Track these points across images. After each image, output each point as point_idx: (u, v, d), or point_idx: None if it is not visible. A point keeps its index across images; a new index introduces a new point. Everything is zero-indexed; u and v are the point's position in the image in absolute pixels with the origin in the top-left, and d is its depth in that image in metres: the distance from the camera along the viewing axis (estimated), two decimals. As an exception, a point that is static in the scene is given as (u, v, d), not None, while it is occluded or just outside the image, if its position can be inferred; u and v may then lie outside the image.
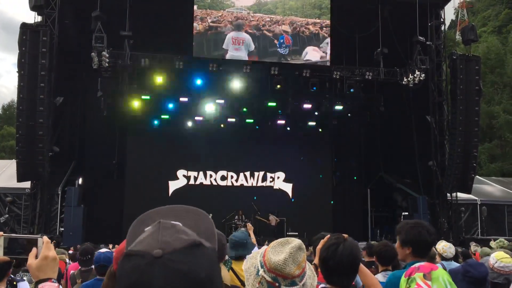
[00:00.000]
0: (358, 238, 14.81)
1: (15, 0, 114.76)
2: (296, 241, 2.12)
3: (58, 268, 2.07)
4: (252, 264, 2.14)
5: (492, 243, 7.88)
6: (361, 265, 2.83)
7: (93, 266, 6.57)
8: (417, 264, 2.36)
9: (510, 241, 8.10)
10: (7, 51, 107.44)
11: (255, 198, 21.04)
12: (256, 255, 2.16)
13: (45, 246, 1.94)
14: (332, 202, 24.15)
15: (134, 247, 1.05)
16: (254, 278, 2.09)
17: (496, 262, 3.74)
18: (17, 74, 16.68)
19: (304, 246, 2.14)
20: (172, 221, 1.11)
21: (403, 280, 2.34)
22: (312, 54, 19.03)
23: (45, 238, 1.97)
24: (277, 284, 2.04)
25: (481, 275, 3.75)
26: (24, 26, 16.65)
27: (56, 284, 1.93)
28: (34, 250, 1.94)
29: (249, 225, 9.58)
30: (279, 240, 2.16)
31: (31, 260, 1.92)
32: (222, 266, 3.58)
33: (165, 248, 1.01)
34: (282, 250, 2.08)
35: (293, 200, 23.61)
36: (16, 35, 16.68)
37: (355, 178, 24.75)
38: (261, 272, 2.07)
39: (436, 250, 6.64)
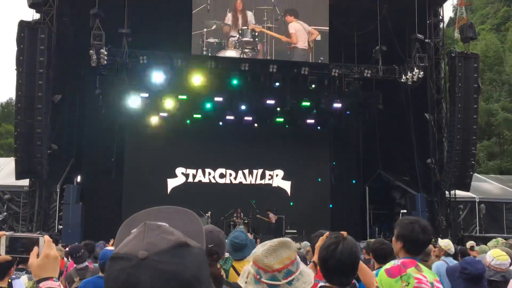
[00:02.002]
0: (356, 235, 14.87)
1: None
2: (285, 239, 2.20)
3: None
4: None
5: (490, 244, 7.91)
6: (361, 263, 2.84)
7: (87, 263, 6.60)
8: (397, 263, 2.36)
9: (507, 239, 8.12)
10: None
11: (253, 201, 21.02)
12: None
13: (46, 245, 1.95)
14: (331, 203, 24.16)
15: (119, 249, 1.05)
16: (244, 274, 2.20)
17: (492, 260, 3.75)
18: (12, 72, 16.67)
19: (291, 245, 2.18)
20: (159, 222, 1.11)
21: (392, 281, 2.32)
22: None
23: (47, 237, 1.98)
24: (258, 277, 2.10)
25: (478, 272, 3.76)
26: (22, 24, 16.62)
27: (57, 283, 1.94)
28: (35, 249, 1.94)
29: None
30: (275, 239, 2.21)
31: (33, 259, 1.93)
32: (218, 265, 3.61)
33: (150, 249, 1.01)
34: (268, 243, 2.16)
35: (290, 195, 23.63)
36: (11, 32, 16.65)
37: (353, 179, 24.76)
38: (249, 267, 2.16)
39: (441, 247, 6.76)
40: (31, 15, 17.85)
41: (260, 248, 2.14)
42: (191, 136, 22.22)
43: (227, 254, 4.24)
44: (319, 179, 24.31)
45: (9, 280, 3.54)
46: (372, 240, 8.81)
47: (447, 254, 6.64)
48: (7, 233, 2.00)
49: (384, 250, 5.18)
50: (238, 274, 4.24)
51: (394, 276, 2.29)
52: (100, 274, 5.31)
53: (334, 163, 24.77)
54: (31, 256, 1.93)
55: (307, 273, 2.20)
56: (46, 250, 1.94)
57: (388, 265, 2.30)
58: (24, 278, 3.91)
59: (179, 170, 23.05)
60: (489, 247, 7.47)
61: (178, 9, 18.67)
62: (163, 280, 0.99)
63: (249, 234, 11.59)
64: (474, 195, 20.91)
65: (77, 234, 17.01)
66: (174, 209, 1.23)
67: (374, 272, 4.86)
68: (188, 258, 1.03)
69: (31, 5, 17.58)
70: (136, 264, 0.99)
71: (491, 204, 21.29)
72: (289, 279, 2.10)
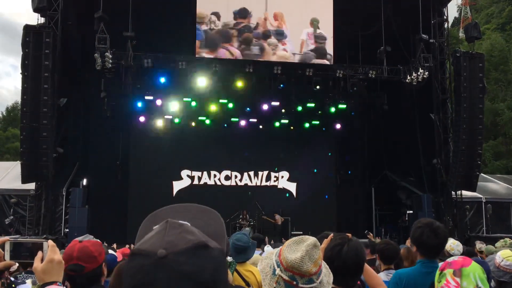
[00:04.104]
0: (362, 236, 14.82)
1: (14, 1, 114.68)
2: (311, 239, 2.13)
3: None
4: (267, 264, 2.14)
5: (498, 244, 7.87)
6: (366, 265, 2.83)
7: None
8: (450, 259, 2.36)
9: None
10: (6, 53, 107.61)
11: (249, 193, 21.05)
12: (270, 255, 2.17)
13: (50, 250, 1.95)
14: (336, 203, 24.10)
15: (140, 246, 1.06)
16: (271, 278, 2.10)
17: (502, 260, 3.71)
18: (16, 76, 16.77)
19: (319, 244, 2.15)
20: (182, 220, 1.12)
21: (437, 274, 2.34)
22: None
23: (50, 242, 1.98)
24: (294, 283, 2.05)
25: (484, 274, 3.72)
26: (27, 28, 16.68)
27: (62, 287, 1.94)
28: (39, 253, 1.94)
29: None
30: (294, 238, 2.17)
31: (37, 264, 1.92)
32: None
33: (169, 248, 1.02)
34: (298, 248, 2.09)
35: (295, 197, 23.60)
36: (15, 37, 16.77)
37: (359, 180, 24.71)
38: (277, 271, 2.08)
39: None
40: (36, 19, 17.94)
41: (292, 254, 2.07)
42: (196, 138, 22.23)
43: (229, 258, 4.22)
44: (325, 180, 24.25)
45: (13, 286, 3.54)
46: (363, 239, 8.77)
47: (449, 255, 6.58)
48: (12, 238, 2.00)
49: (390, 251, 5.16)
50: (241, 277, 4.21)
51: (440, 270, 2.31)
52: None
53: (339, 164, 24.73)
54: (35, 260, 1.93)
55: (325, 265, 2.19)
56: (50, 255, 1.94)
57: (449, 259, 2.33)
58: (28, 282, 3.91)
59: (184, 173, 23.07)
60: (496, 248, 7.42)
61: (183, 12, 18.69)
62: (180, 281, 0.99)
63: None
64: (480, 195, 20.82)
65: (83, 237, 17.01)
66: (198, 208, 1.24)
67: (382, 273, 4.85)
68: (207, 259, 1.04)
69: (35, 9, 17.62)
70: (154, 262, 1.01)
71: (497, 204, 21.19)
72: (321, 277, 2.09)
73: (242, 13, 18.62)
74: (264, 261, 2.17)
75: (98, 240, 2.84)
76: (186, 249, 1.02)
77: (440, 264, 2.42)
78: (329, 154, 24.61)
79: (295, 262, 2.04)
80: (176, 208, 1.23)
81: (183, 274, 1.00)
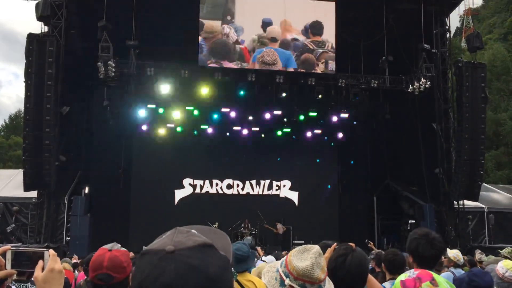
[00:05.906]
0: (364, 246, 14.80)
1: (16, 11, 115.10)
2: (315, 247, 2.18)
3: (66, 279, 2.07)
4: (271, 277, 2.15)
5: (503, 251, 7.82)
6: (369, 275, 2.82)
7: None
8: (413, 275, 2.34)
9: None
10: (8, 61, 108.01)
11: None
12: (272, 268, 2.18)
13: (51, 259, 1.95)
14: (338, 213, 24.01)
15: (149, 246, 1.13)
16: None
17: (506, 271, 3.70)
18: (18, 84, 16.87)
19: (322, 252, 2.17)
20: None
21: None
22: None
23: (51, 251, 1.98)
24: None
25: (486, 284, 3.72)
26: (30, 36, 16.77)
27: None
28: (40, 262, 1.94)
29: (259, 249, 9.75)
30: (297, 248, 2.21)
31: (38, 273, 1.92)
32: None
33: (177, 246, 1.08)
34: (305, 257, 2.12)
35: (297, 206, 23.54)
36: (17, 45, 16.84)
37: (361, 189, 24.65)
38: (287, 281, 2.10)
39: (450, 258, 6.68)
40: (40, 28, 18.04)
41: (302, 263, 2.10)
42: (198, 147, 22.24)
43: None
44: (327, 190, 24.21)
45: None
46: (378, 250, 8.72)
47: (456, 265, 6.57)
48: (13, 247, 2.01)
49: (397, 261, 5.15)
50: (242, 287, 4.20)
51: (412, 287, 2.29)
52: None
53: (341, 173, 24.69)
54: (36, 269, 1.93)
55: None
56: (51, 264, 1.94)
57: (403, 277, 2.30)
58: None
59: (186, 181, 23.05)
60: (505, 255, 7.38)
61: (186, 21, 18.76)
62: (187, 272, 1.04)
63: (259, 249, 11.53)
64: (482, 205, 20.76)
65: (84, 246, 17.00)
66: (208, 229, 1.35)
67: (386, 282, 4.83)
68: (213, 257, 1.10)
69: (39, 18, 17.72)
70: (163, 257, 1.07)
71: (500, 214, 21.12)
72: (326, 285, 2.13)
73: (316, 29, 18.72)
74: (267, 274, 2.18)
75: (125, 249, 2.82)
76: (193, 246, 1.09)
77: (395, 281, 2.40)
78: (331, 163, 24.57)
79: (306, 270, 2.07)
80: (189, 227, 1.29)
81: (191, 266, 1.05)
